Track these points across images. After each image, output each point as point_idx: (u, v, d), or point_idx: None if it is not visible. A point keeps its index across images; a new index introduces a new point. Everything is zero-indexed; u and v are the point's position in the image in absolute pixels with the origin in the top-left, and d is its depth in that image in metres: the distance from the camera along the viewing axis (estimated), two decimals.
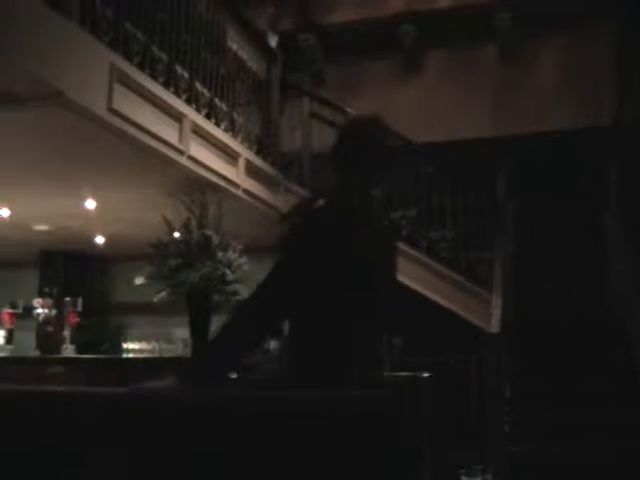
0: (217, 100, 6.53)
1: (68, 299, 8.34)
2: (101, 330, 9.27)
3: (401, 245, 7.73)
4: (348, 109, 8.33)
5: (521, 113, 9.24)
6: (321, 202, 2.61)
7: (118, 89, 5.00)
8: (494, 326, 6.02)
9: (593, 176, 8.26)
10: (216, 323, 5.88)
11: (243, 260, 6.07)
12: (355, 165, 2.59)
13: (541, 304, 7.42)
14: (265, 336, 2.61)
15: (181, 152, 5.84)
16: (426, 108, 9.47)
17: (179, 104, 5.82)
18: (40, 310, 8.18)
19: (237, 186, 6.81)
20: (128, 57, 5.16)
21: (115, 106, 4.96)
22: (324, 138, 8.14)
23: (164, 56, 5.68)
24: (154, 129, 5.45)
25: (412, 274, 7.51)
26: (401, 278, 7.38)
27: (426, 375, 3.11)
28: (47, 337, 7.99)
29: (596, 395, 5.90)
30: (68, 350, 7.78)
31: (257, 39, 7.63)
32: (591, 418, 5.73)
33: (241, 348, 2.43)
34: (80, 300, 8.40)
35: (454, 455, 5.56)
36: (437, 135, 8.98)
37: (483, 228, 7.61)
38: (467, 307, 7.37)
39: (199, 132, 6.12)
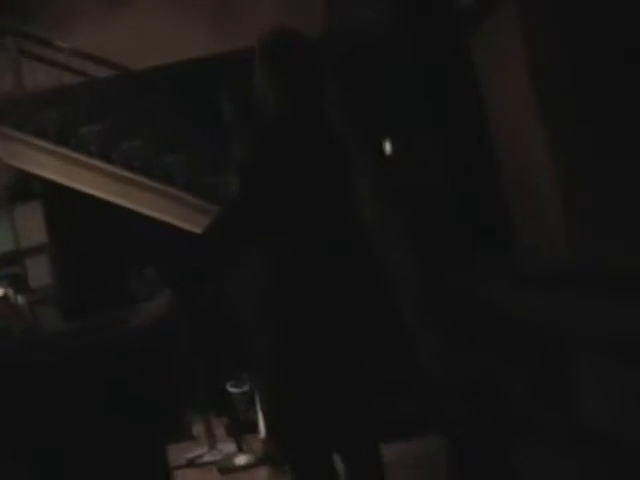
0: None
1: None
2: None
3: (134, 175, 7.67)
4: (61, 43, 7.96)
5: (241, 28, 9.21)
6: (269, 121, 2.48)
7: None
8: None
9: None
10: None
11: None
12: (293, 79, 2.46)
13: None
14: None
15: None
16: (142, 33, 9.17)
17: None
18: None
19: None
20: None
21: None
22: (38, 76, 7.75)
23: None
24: None
25: (150, 202, 7.54)
26: (138, 207, 7.47)
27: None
28: None
29: None
30: None
31: None
32: None
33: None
34: None
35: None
36: (156, 59, 8.79)
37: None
38: None
39: None
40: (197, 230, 7.13)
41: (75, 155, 7.72)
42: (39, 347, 2.99)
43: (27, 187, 7.78)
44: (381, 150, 6.28)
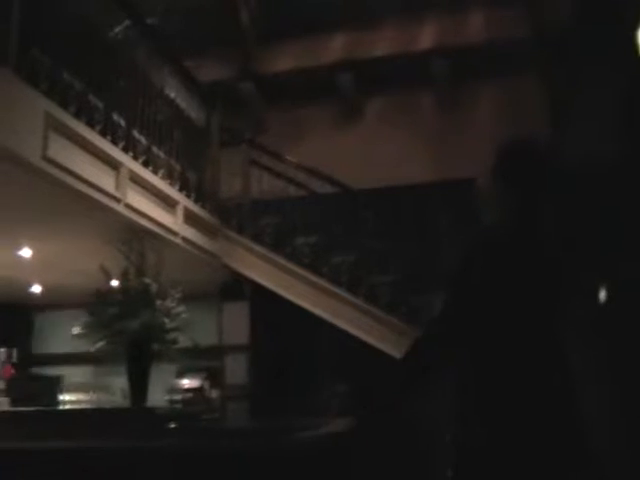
0: (155, 148, 6.52)
1: (2, 350, 8.12)
2: (37, 382, 9.01)
3: (340, 290, 7.80)
4: (287, 156, 8.41)
5: (460, 158, 9.36)
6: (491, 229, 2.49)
7: (53, 137, 4.97)
8: None
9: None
10: (155, 372, 5.79)
11: (181, 308, 6.01)
12: (524, 187, 2.44)
13: None
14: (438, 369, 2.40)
15: (118, 200, 5.81)
16: (365, 155, 9.58)
17: (116, 152, 5.80)
18: None
19: (176, 234, 6.77)
20: (64, 105, 5.14)
21: (50, 154, 4.92)
22: (263, 185, 8.22)
23: (101, 104, 5.66)
24: (91, 177, 5.41)
25: (352, 319, 7.57)
26: (340, 322, 7.57)
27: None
28: None
29: None
30: (1, 404, 7.54)
31: (196, 88, 7.66)
32: None
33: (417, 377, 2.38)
34: (15, 351, 8.18)
35: None
36: (377, 181, 9.08)
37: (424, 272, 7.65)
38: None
39: (136, 180, 6.09)
40: (393, 352, 7.09)
41: (288, 264, 7.99)
42: (220, 437, 2.99)
43: (238, 287, 8.11)
44: (594, 286, 5.99)
